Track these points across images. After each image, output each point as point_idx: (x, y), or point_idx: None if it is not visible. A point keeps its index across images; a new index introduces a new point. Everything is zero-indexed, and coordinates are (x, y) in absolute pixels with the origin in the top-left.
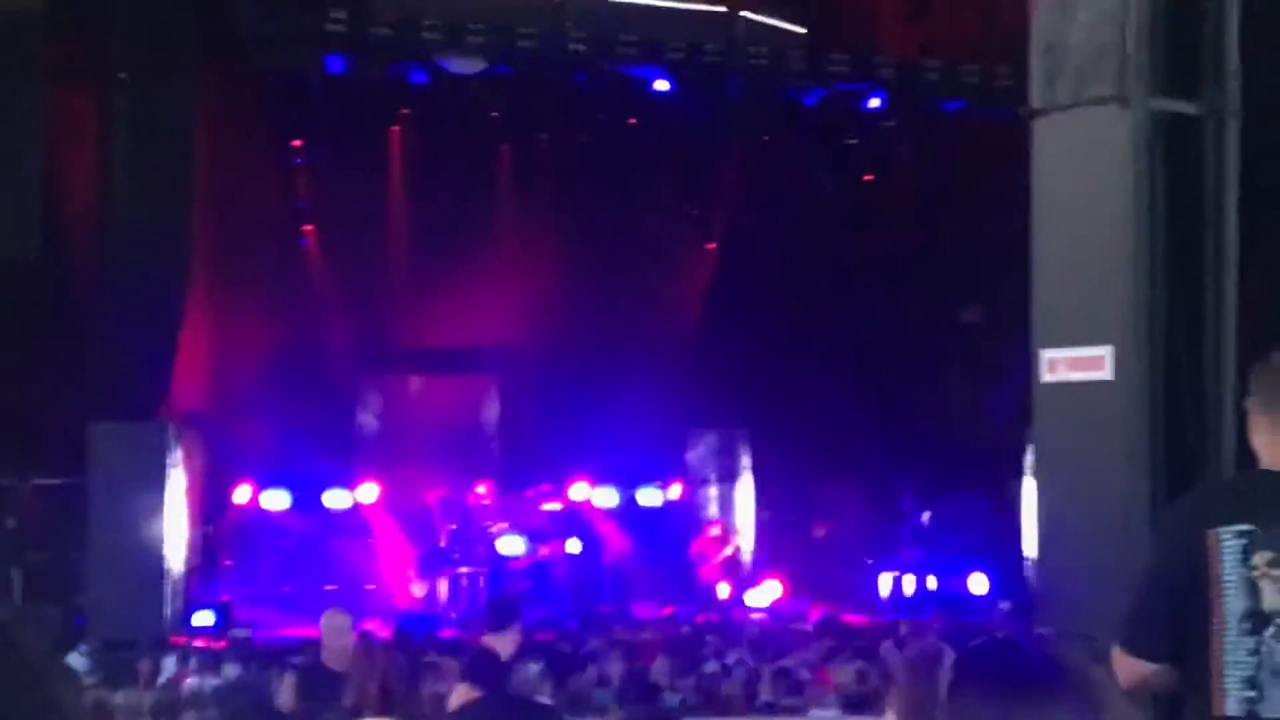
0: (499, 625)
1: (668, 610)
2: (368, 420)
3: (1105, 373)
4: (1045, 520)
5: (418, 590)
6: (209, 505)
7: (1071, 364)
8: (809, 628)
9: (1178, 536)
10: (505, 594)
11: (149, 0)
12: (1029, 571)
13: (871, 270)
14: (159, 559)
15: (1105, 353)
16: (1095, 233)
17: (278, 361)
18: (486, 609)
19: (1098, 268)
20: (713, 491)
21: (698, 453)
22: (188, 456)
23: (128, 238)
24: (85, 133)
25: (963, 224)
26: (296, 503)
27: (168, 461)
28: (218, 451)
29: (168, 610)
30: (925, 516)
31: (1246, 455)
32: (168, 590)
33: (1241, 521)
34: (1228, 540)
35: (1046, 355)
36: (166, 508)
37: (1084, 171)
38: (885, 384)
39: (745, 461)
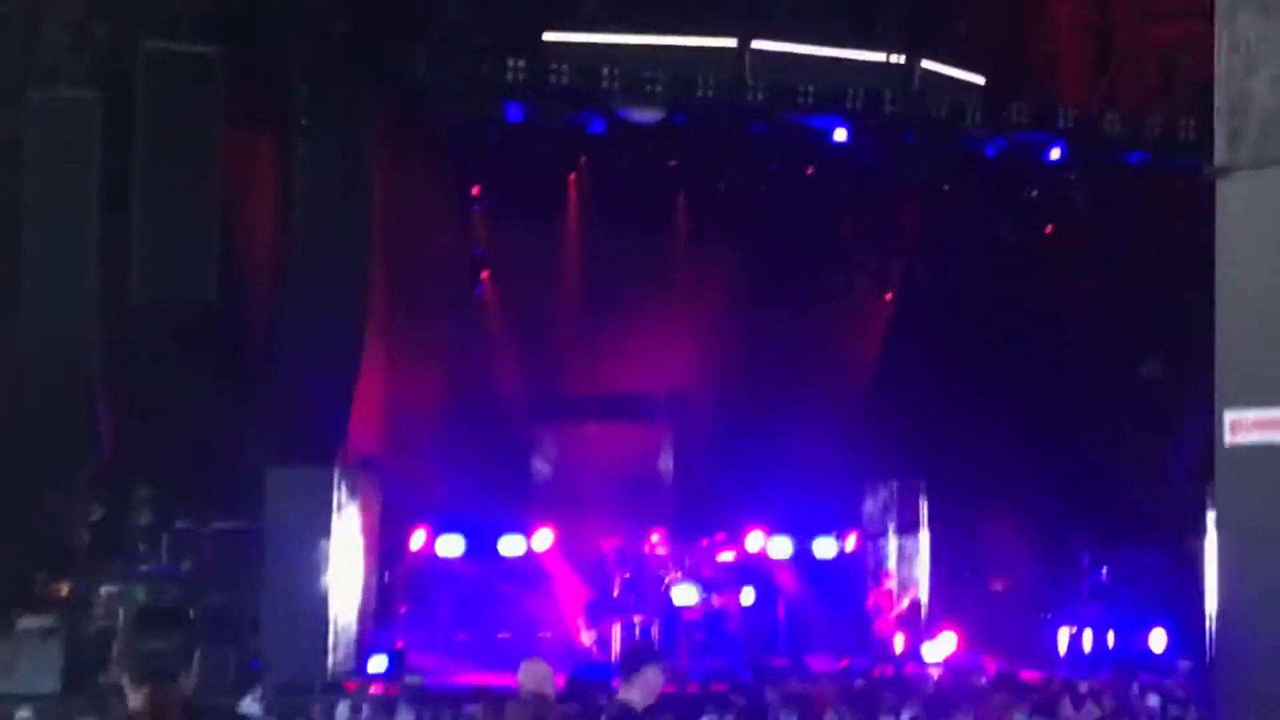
0: (629, 674)
1: (843, 663)
2: (542, 467)
3: None
4: (1226, 588)
5: (589, 639)
6: (385, 550)
7: (1257, 425)
8: (985, 683)
9: None
10: (638, 642)
11: (328, 46)
12: (1210, 629)
13: (1050, 322)
14: (334, 604)
15: None
16: None
17: (453, 407)
18: (620, 658)
19: None
20: (889, 543)
21: (873, 504)
22: (364, 501)
23: (306, 282)
24: (265, 177)
25: (1143, 276)
26: (471, 549)
27: (344, 507)
28: (394, 497)
29: (341, 655)
30: (1104, 571)
31: None
32: (341, 636)
33: None
34: None
35: (1230, 416)
36: (342, 553)
37: (1270, 231)
38: (1063, 436)
39: (922, 513)
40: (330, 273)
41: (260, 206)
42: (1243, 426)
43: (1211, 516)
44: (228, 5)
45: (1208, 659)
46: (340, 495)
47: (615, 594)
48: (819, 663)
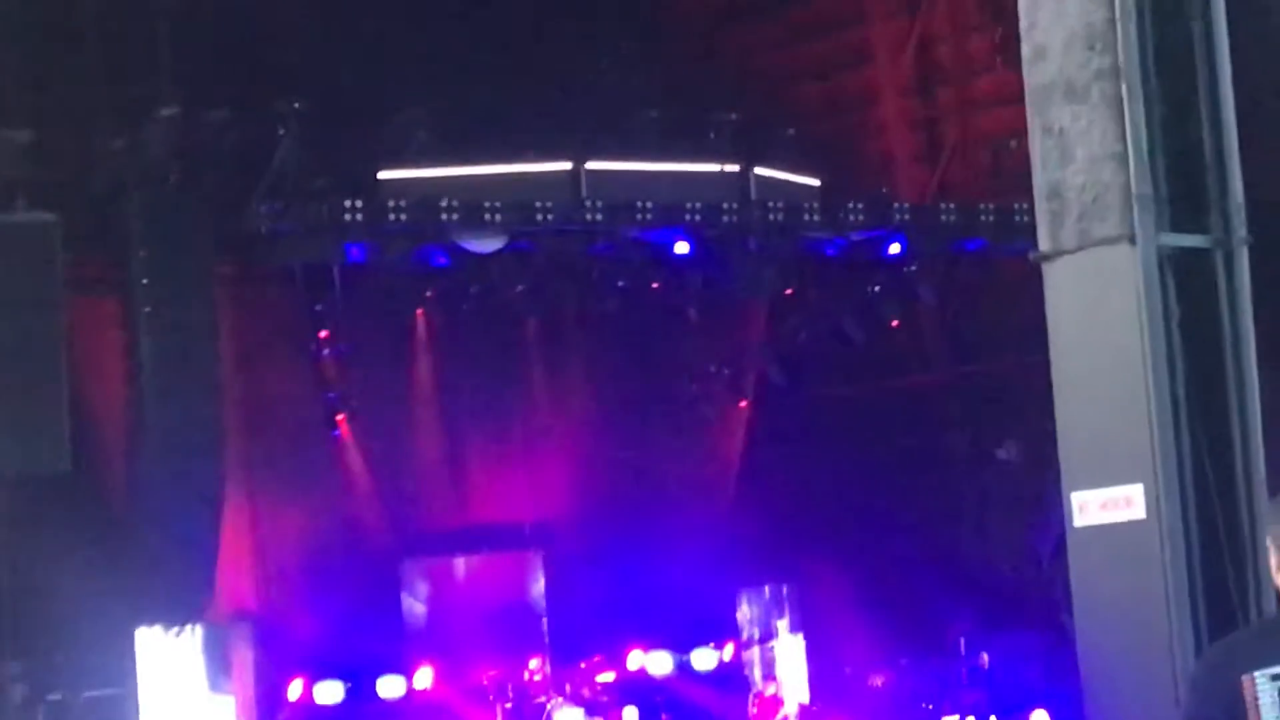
0: None
1: None
2: (414, 605)
3: (1138, 511)
4: (1088, 666)
5: None
6: (263, 703)
7: (1103, 505)
8: None
9: (1212, 683)
10: None
11: (165, 205)
12: None
13: (908, 413)
14: None
15: (1136, 491)
16: (1115, 371)
17: (320, 552)
18: None
19: (1121, 406)
20: (767, 648)
21: (748, 610)
22: (238, 656)
23: (160, 441)
24: (110, 341)
25: (993, 361)
26: (351, 694)
27: (219, 663)
28: (268, 648)
29: None
30: (983, 657)
31: None
32: None
33: (1275, 664)
34: (1263, 684)
35: (1077, 498)
36: (220, 710)
37: (1099, 311)
38: (931, 527)
39: (796, 616)
40: (184, 429)
41: (109, 369)
42: (1089, 507)
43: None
44: (61, 171)
45: None
46: (213, 651)
47: None
48: None
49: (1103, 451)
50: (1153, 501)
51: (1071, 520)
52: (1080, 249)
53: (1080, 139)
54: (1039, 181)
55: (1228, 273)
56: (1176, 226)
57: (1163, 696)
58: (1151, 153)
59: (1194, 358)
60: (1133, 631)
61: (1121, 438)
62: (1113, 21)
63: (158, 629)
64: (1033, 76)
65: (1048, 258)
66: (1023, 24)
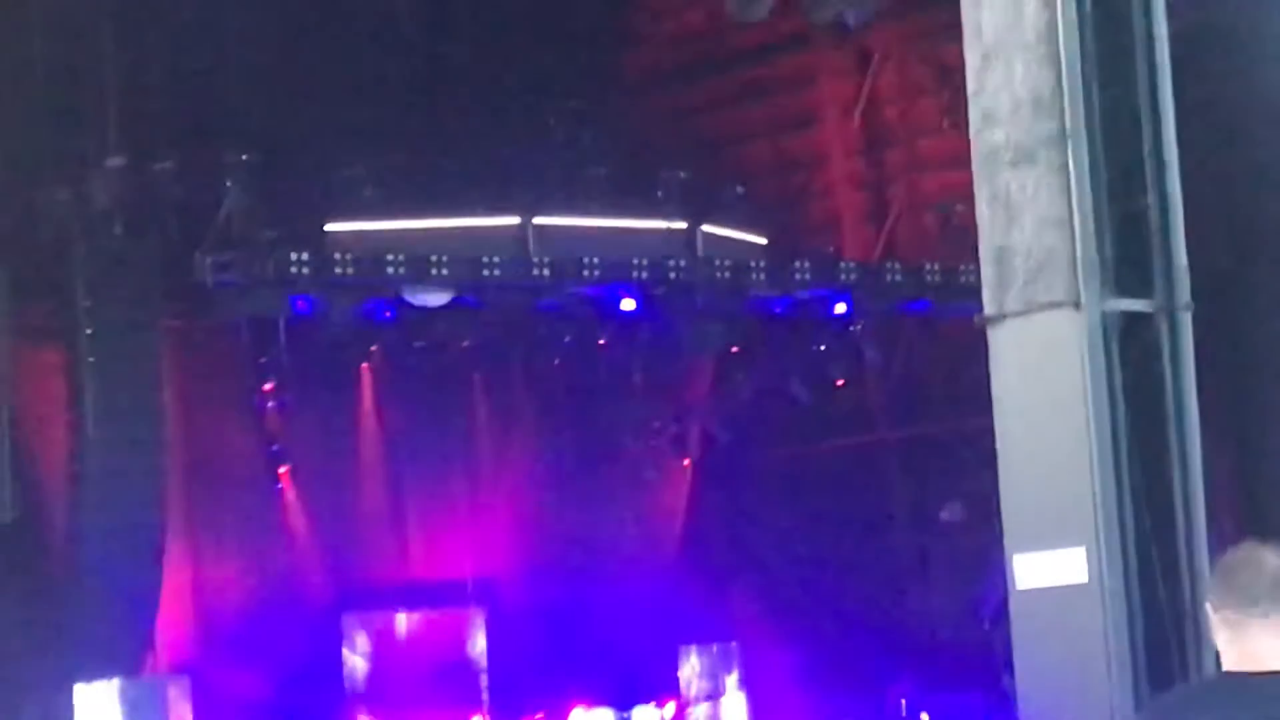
0: None
1: None
2: (355, 660)
3: (1080, 575)
4: None
5: None
6: None
7: (1046, 568)
8: None
9: None
10: None
11: (110, 255)
12: None
13: (851, 473)
14: None
15: (1079, 555)
16: (1058, 434)
17: (261, 606)
18: None
19: (1064, 469)
20: (706, 708)
21: (690, 669)
22: (177, 709)
23: (101, 492)
24: (54, 391)
25: (937, 422)
26: None
27: (158, 716)
28: (207, 701)
29: None
30: (924, 718)
31: None
32: None
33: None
34: None
35: (1020, 560)
36: None
37: (1043, 375)
38: (874, 586)
39: (737, 675)
40: (125, 480)
41: (52, 420)
42: (1032, 570)
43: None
44: (6, 220)
45: None
46: (154, 704)
47: None
48: None
49: (1045, 514)
50: (1095, 565)
51: (1014, 583)
52: (1025, 313)
53: (1027, 204)
54: (985, 245)
55: (1171, 337)
56: (1121, 291)
57: None
58: (1097, 218)
59: (1137, 422)
60: (1074, 694)
61: (1064, 501)
62: (1059, 88)
63: (97, 684)
64: (980, 141)
65: (993, 320)
66: (970, 88)
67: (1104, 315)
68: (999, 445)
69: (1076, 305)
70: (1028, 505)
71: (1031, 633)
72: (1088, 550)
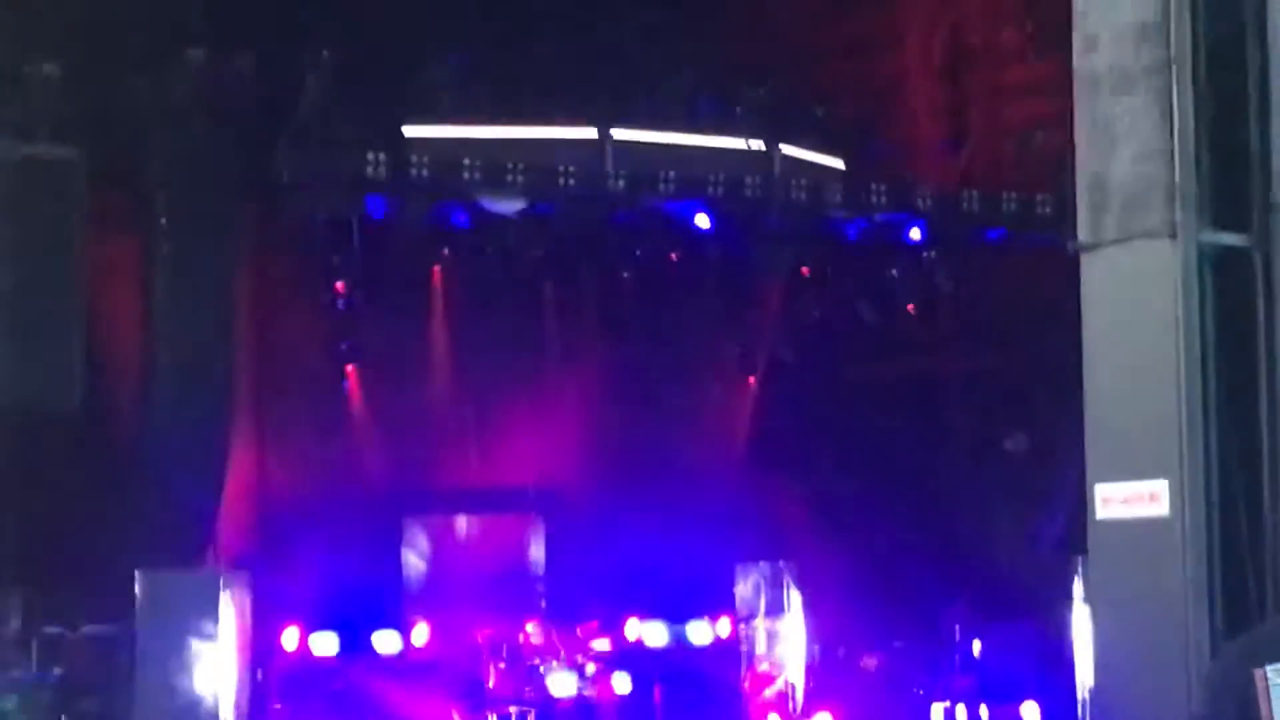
0: None
1: None
2: (414, 561)
3: (1161, 508)
4: (1102, 658)
5: None
6: (258, 650)
7: (1126, 500)
8: None
9: (1226, 679)
10: None
11: (188, 146)
12: (1081, 701)
13: (916, 399)
14: (208, 707)
15: (1161, 487)
16: (1147, 367)
17: (323, 502)
18: None
19: (1151, 402)
20: (762, 625)
21: (745, 587)
22: (236, 602)
23: (171, 384)
24: (128, 280)
25: (1006, 352)
26: (345, 645)
27: (216, 608)
28: (266, 596)
29: None
30: (976, 645)
31: None
32: None
33: None
34: (1275, 678)
35: (1101, 490)
36: (215, 654)
37: (1134, 305)
38: (933, 513)
39: (793, 594)
40: (195, 373)
41: (124, 309)
42: (1112, 501)
43: (1081, 588)
44: (86, 107)
45: None
46: (212, 595)
47: (490, 685)
48: None
49: (1130, 445)
50: (1177, 499)
51: (1094, 512)
52: (1119, 242)
53: (1126, 132)
54: (1082, 173)
55: (1265, 273)
56: (1218, 224)
57: (1175, 691)
58: (1197, 149)
59: (1227, 356)
60: (1149, 626)
61: (1150, 433)
62: (1165, 15)
63: (158, 573)
64: (1082, 67)
65: (1087, 249)
66: (1075, 12)
67: (1199, 247)
68: (1085, 372)
69: (1172, 236)
70: (1112, 435)
71: (1110, 562)
72: (1170, 483)
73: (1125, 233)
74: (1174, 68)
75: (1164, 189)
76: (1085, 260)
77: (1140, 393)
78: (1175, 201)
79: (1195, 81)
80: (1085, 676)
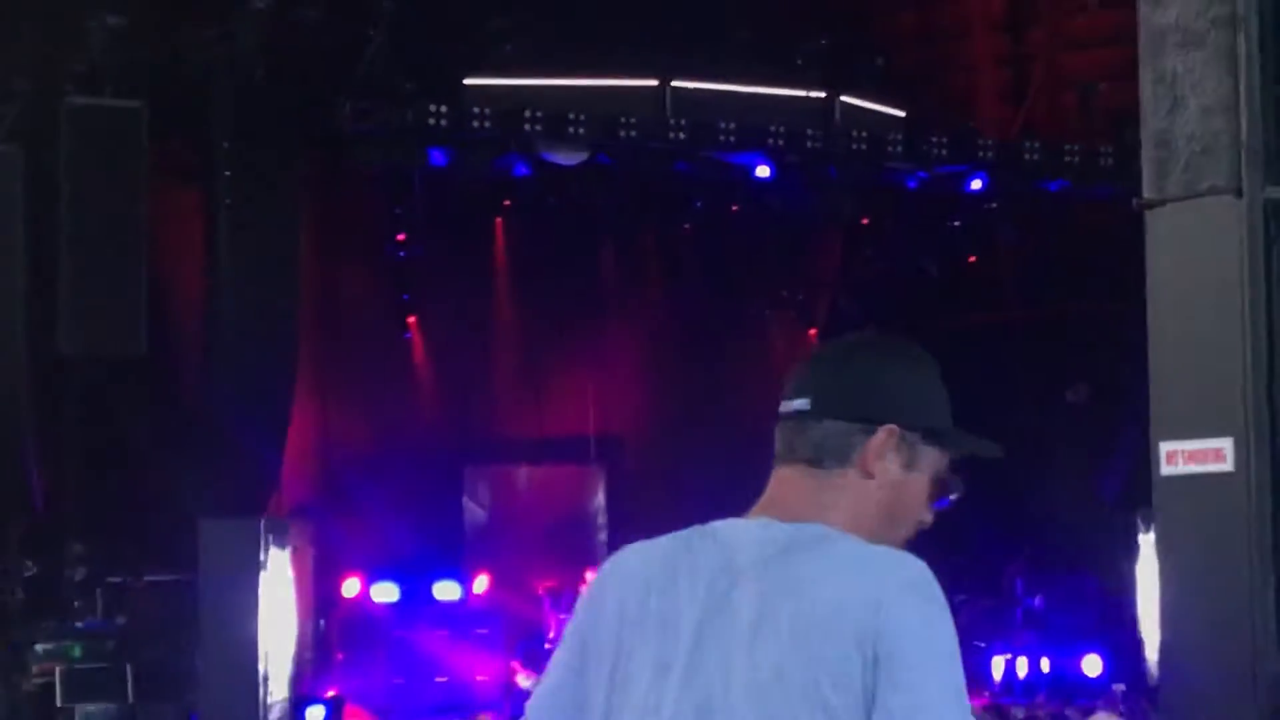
0: None
1: None
2: (475, 511)
3: (1226, 464)
4: (1168, 615)
5: (525, 682)
6: (319, 598)
7: (1191, 456)
8: None
9: None
10: None
11: (252, 98)
12: (1145, 653)
13: (976, 351)
14: (270, 656)
15: (1225, 445)
16: (1212, 324)
17: (384, 453)
18: None
19: (1216, 359)
20: None
21: None
22: (298, 550)
23: (235, 333)
24: (190, 229)
25: (1067, 304)
26: (406, 595)
27: (278, 557)
28: (328, 545)
29: (278, 707)
30: (1038, 598)
31: None
32: (278, 686)
33: None
34: None
35: (1165, 447)
36: (277, 603)
37: (1200, 263)
38: (993, 465)
39: None
40: (258, 322)
41: (187, 258)
42: (1177, 457)
43: (1144, 540)
44: (149, 58)
45: (1145, 683)
46: (275, 544)
47: (551, 636)
48: None
49: (1194, 402)
50: (1242, 456)
51: (1158, 469)
52: (1185, 198)
53: (1192, 87)
54: (1147, 128)
55: None
56: None
57: (1241, 645)
58: (1264, 105)
59: None
60: (1214, 581)
61: (1214, 390)
62: None
63: (221, 521)
64: (1149, 22)
65: (1151, 205)
66: None
67: (1266, 204)
68: (1150, 330)
69: (1238, 192)
70: (1176, 391)
71: (1174, 519)
72: (1235, 440)
73: (1190, 189)
74: (1241, 22)
75: (1229, 145)
76: (1150, 217)
77: (1204, 349)
78: (1241, 158)
79: (1263, 37)
80: (1147, 630)
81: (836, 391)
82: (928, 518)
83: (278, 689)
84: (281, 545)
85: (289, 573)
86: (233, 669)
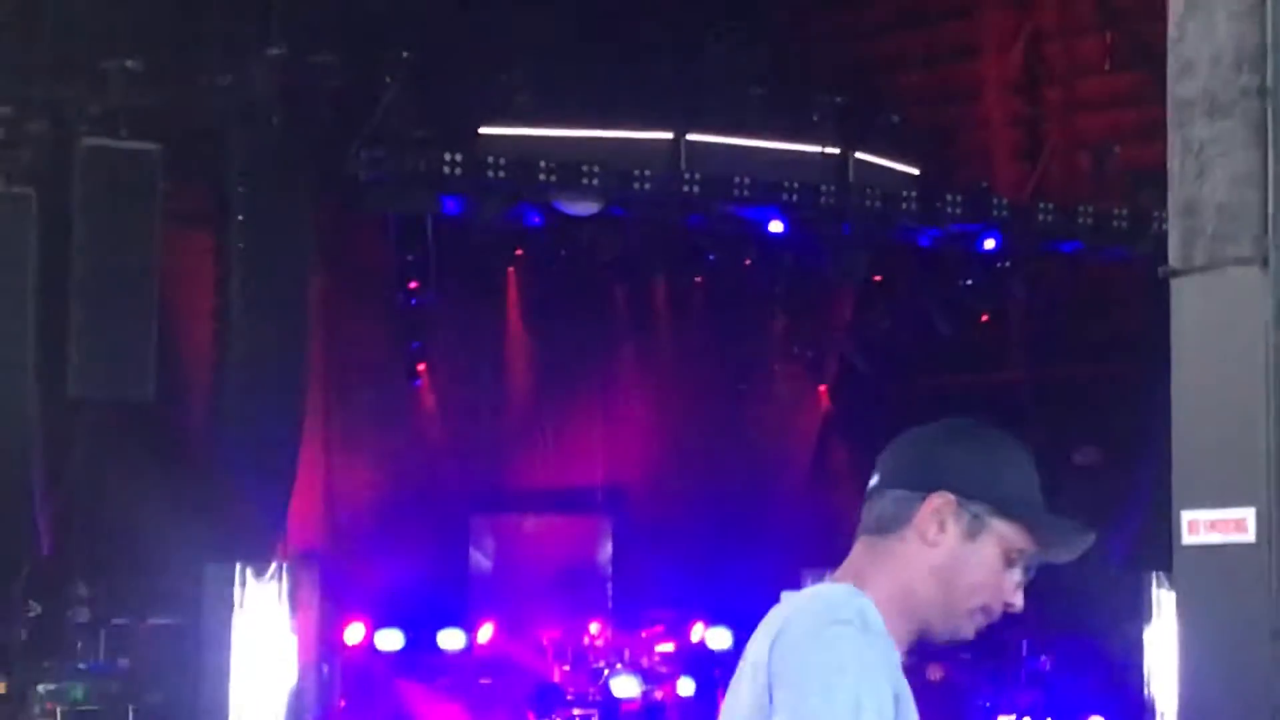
0: None
1: None
2: (481, 560)
3: (1248, 535)
4: (1188, 684)
5: None
6: (324, 646)
7: (1213, 526)
8: None
9: None
10: None
11: (265, 142)
12: (1153, 717)
13: (986, 410)
14: (273, 701)
15: (1248, 515)
16: (1236, 392)
17: (391, 501)
18: None
19: (1239, 429)
20: None
21: None
22: (303, 597)
23: (243, 379)
24: (202, 274)
25: (1078, 365)
26: (410, 643)
27: (283, 603)
28: (333, 592)
29: None
30: (1043, 659)
31: None
32: None
33: None
34: None
35: (1187, 516)
36: (281, 649)
37: (1224, 332)
38: None
39: None
40: (267, 369)
41: (197, 303)
42: (1199, 527)
43: (1154, 602)
44: (165, 102)
45: None
46: (280, 591)
47: (555, 685)
48: None
49: (1217, 472)
50: (1264, 527)
51: (1180, 538)
52: (1210, 268)
53: (1220, 157)
54: (1174, 197)
55: None
56: None
57: (1259, 718)
58: None
59: None
60: (1234, 653)
61: (1237, 460)
62: (1263, 42)
63: (226, 564)
64: (1176, 90)
65: (1178, 273)
66: (1170, 36)
67: None
68: (1174, 397)
69: (1264, 264)
70: (1199, 461)
71: (1195, 589)
72: (1257, 511)
73: (1216, 259)
74: (1270, 94)
75: (1256, 215)
76: (1175, 286)
77: (1227, 419)
78: (1268, 229)
79: None
80: (1154, 694)
81: (903, 465)
82: (1008, 596)
83: None
84: (287, 591)
85: (294, 619)
86: (237, 715)
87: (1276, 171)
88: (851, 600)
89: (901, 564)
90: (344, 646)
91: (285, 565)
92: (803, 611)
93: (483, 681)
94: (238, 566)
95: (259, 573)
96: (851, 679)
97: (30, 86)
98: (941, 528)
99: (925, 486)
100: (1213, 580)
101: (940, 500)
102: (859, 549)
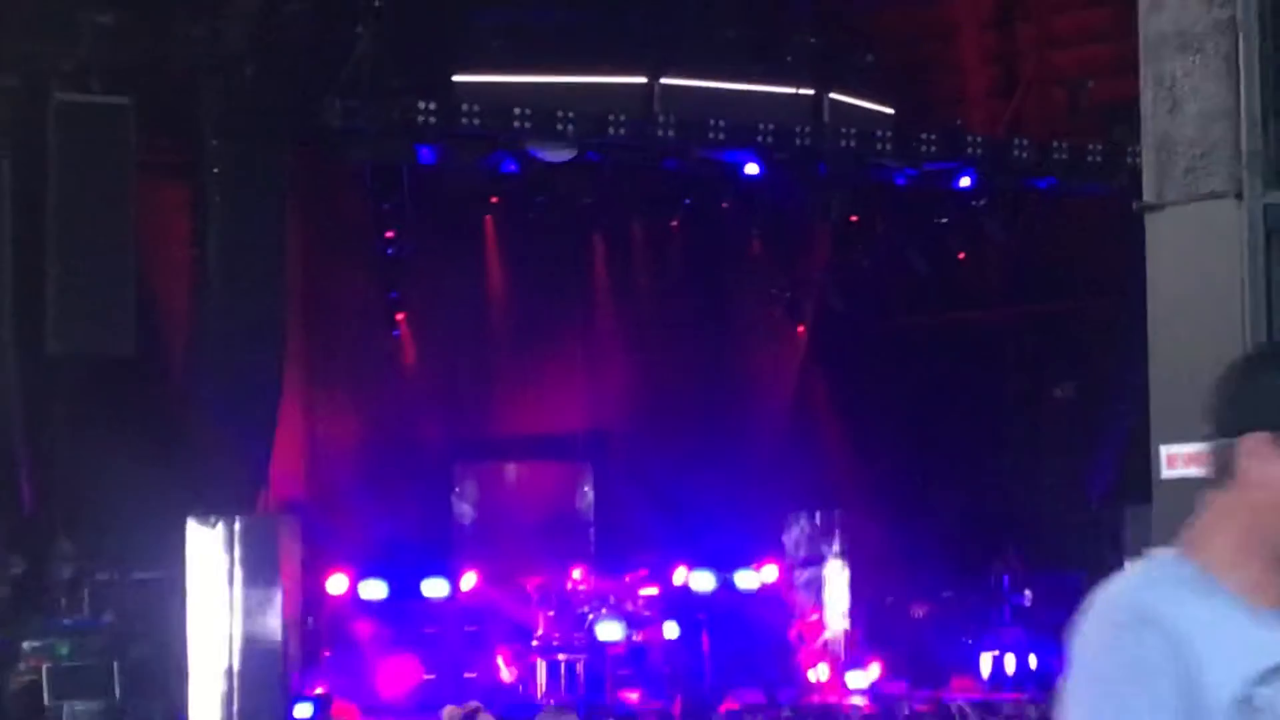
0: None
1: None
2: (463, 508)
3: None
4: None
5: (513, 677)
6: (308, 596)
7: (1191, 459)
8: (912, 710)
9: None
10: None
11: (239, 94)
12: None
13: (964, 348)
14: (258, 652)
15: None
16: (1212, 328)
17: (373, 451)
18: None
19: (1215, 361)
20: (809, 573)
21: (793, 534)
22: (286, 548)
23: (223, 331)
24: (178, 227)
25: (1055, 301)
26: (394, 592)
27: (266, 554)
28: (316, 542)
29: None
30: (1026, 594)
31: None
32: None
33: None
34: None
35: (1166, 450)
36: (265, 601)
37: (1199, 267)
38: (981, 461)
39: (841, 543)
40: (246, 320)
41: (174, 256)
42: (1178, 460)
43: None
44: (138, 55)
45: None
46: (263, 542)
47: (539, 632)
48: (745, 695)
49: (1194, 406)
50: None
51: (1159, 472)
52: (1185, 202)
53: (1192, 92)
54: (1147, 132)
55: None
56: None
57: None
58: (1264, 110)
59: None
60: None
61: None
62: None
63: (209, 520)
64: (1148, 26)
65: (1152, 208)
66: None
67: (1266, 209)
68: (1150, 333)
69: (1238, 197)
70: (1177, 396)
71: (1174, 523)
72: None
73: (1190, 193)
74: (1240, 28)
75: (1229, 150)
76: (1149, 220)
77: (1204, 354)
78: (1241, 163)
79: (1262, 42)
80: None
81: (1216, 410)
82: None
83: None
84: (270, 543)
85: (278, 570)
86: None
87: (1249, 106)
88: (1137, 593)
89: (1239, 511)
90: (327, 597)
91: (269, 516)
92: (1091, 606)
93: (467, 629)
94: (222, 520)
95: (242, 524)
96: (1114, 688)
97: (1, 42)
98: (1263, 467)
99: (1236, 429)
100: (1191, 512)
101: (1253, 442)
102: (1200, 508)
